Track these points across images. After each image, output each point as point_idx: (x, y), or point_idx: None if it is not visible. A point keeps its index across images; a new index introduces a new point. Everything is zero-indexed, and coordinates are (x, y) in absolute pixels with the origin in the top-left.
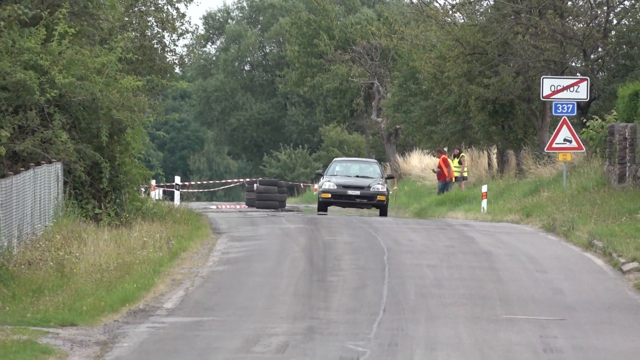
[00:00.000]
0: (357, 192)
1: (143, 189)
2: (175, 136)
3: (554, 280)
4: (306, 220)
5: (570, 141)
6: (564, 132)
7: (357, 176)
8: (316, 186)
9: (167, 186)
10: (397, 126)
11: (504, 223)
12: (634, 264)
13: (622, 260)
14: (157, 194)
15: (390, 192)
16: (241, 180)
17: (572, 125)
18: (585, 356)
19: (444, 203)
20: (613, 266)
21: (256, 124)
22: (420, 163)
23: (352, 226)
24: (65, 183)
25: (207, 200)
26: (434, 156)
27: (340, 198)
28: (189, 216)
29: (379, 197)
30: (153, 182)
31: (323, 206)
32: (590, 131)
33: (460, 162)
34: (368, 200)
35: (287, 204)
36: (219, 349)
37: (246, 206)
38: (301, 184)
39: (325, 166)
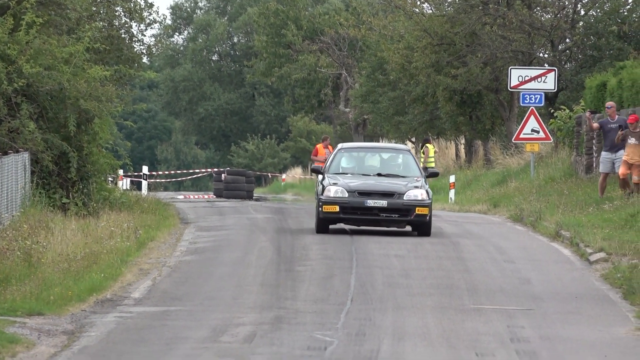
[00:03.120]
0: (383, 203)
1: (110, 179)
2: (143, 126)
3: (521, 270)
4: (274, 210)
5: (537, 132)
6: (532, 123)
7: (379, 175)
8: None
9: (135, 176)
10: (365, 116)
11: (472, 213)
12: (601, 255)
13: (589, 250)
14: (124, 183)
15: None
16: (209, 170)
17: (539, 115)
18: (552, 346)
19: None
20: (580, 256)
21: (224, 114)
22: None
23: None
24: (32, 172)
25: (174, 190)
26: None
27: (355, 212)
28: (157, 206)
29: (419, 210)
30: (120, 171)
31: (326, 224)
32: (558, 122)
33: (423, 153)
34: (400, 216)
35: (254, 194)
36: (187, 338)
37: (214, 196)
38: (269, 174)
39: (298, 159)
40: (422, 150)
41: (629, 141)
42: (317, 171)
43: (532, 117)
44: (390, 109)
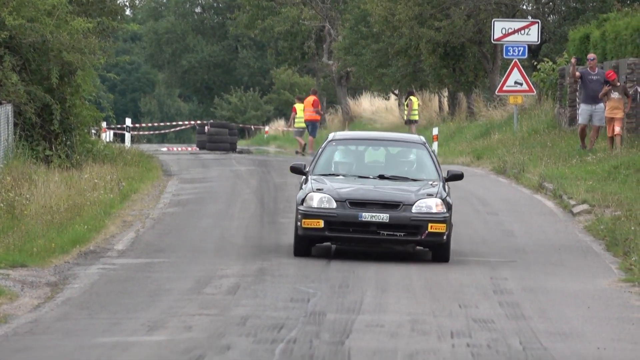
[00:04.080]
0: (383, 217)
1: (94, 131)
2: (126, 78)
3: (504, 222)
4: (257, 162)
5: (521, 84)
6: (515, 75)
7: (382, 177)
8: (266, 128)
9: (118, 128)
10: (348, 69)
11: (455, 166)
12: (584, 206)
13: (572, 202)
14: (107, 136)
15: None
16: (192, 122)
17: (523, 68)
18: (535, 297)
19: None
20: (563, 208)
21: (207, 67)
22: (371, 106)
23: None
24: (15, 125)
25: (158, 142)
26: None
27: (346, 229)
28: (140, 158)
29: (432, 227)
30: (104, 124)
31: (306, 244)
32: (541, 74)
33: (407, 105)
34: (407, 235)
35: (238, 146)
36: (170, 290)
37: (197, 148)
38: (252, 127)
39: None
40: (405, 103)
41: (612, 95)
42: (298, 171)
43: (515, 69)
44: (374, 61)
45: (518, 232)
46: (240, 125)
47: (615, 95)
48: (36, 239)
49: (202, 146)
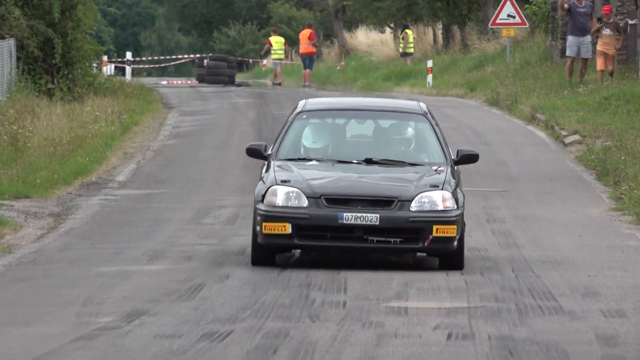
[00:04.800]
0: (372, 218)
1: (95, 65)
2: (127, 12)
3: (497, 152)
4: (255, 94)
5: (513, 17)
6: (508, 8)
7: (369, 161)
8: (264, 61)
9: (119, 62)
10: (345, 2)
11: (449, 97)
12: (576, 137)
13: (564, 133)
14: (108, 69)
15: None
16: (192, 56)
17: (515, 0)
18: (528, 226)
19: (390, 78)
20: (555, 139)
21: (206, 0)
22: (367, 39)
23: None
24: (18, 59)
25: (158, 76)
26: (400, 34)
27: (322, 235)
28: (141, 91)
29: (439, 230)
30: (105, 57)
31: (268, 254)
32: (534, 7)
33: (403, 38)
34: (404, 241)
35: (236, 79)
36: (170, 220)
37: (196, 81)
38: (250, 60)
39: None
40: (401, 36)
41: (604, 32)
42: (256, 154)
43: (508, 2)
44: None
45: (511, 162)
46: (239, 58)
47: (607, 32)
48: (39, 170)
49: (201, 79)
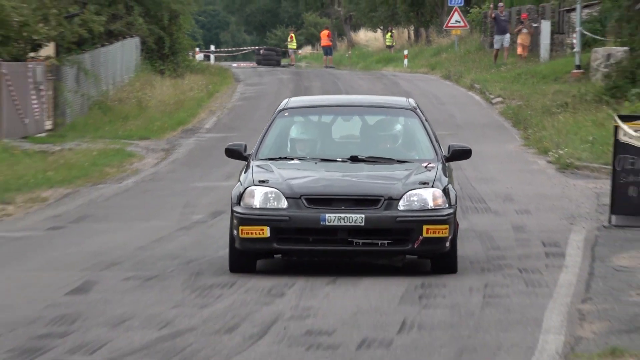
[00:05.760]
0: (356, 219)
1: (191, 53)
2: (211, 19)
3: (449, 109)
4: (293, 73)
5: (459, 22)
6: (456, 16)
7: (354, 159)
8: (300, 51)
9: (206, 52)
10: (351, 13)
11: (418, 74)
12: (499, 99)
13: (491, 96)
14: (200, 56)
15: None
16: (252, 48)
17: (461, 11)
18: (470, 157)
19: (380, 62)
20: (486, 100)
21: (261, 12)
22: (365, 37)
23: (322, 77)
24: (141, 50)
25: (231, 61)
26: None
27: (303, 239)
28: (220, 71)
29: (429, 230)
30: (197, 49)
31: (246, 260)
32: (472, 15)
33: (391, 36)
34: (393, 243)
35: (281, 63)
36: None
37: (256, 64)
38: (290, 50)
39: (308, 40)
40: (388, 35)
41: (523, 31)
42: (235, 154)
43: (456, 12)
44: (367, 8)
45: (457, 115)
46: (283, 49)
47: (524, 31)
48: (155, 121)
49: (258, 63)
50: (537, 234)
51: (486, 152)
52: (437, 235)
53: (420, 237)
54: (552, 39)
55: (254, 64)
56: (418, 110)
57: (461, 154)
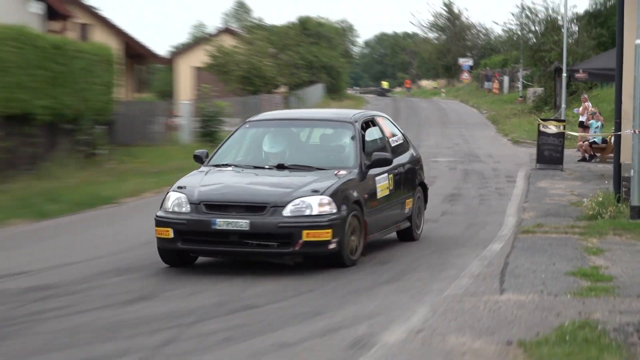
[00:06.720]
0: (243, 224)
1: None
2: (354, 72)
3: (461, 116)
4: (391, 99)
5: (467, 76)
6: (465, 75)
7: (280, 167)
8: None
9: (352, 88)
10: (418, 73)
11: (448, 100)
12: (485, 111)
13: (482, 110)
14: (350, 91)
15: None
16: (374, 87)
17: (468, 71)
18: (467, 139)
19: (431, 94)
20: (479, 112)
21: (376, 74)
22: (425, 82)
23: (405, 100)
24: (323, 88)
25: (363, 93)
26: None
27: (200, 240)
28: (359, 98)
29: (309, 234)
30: (348, 87)
31: (166, 256)
32: (474, 73)
33: (437, 82)
34: (279, 246)
35: (385, 94)
36: None
37: (376, 95)
38: (391, 89)
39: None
40: (435, 82)
41: (495, 81)
42: (199, 160)
43: (465, 72)
44: (424, 70)
45: (466, 119)
46: (386, 88)
47: (496, 81)
48: None
49: (377, 94)
50: (503, 171)
51: (478, 135)
52: (317, 239)
53: (300, 241)
54: (509, 84)
55: (374, 95)
56: (358, 123)
57: (382, 162)
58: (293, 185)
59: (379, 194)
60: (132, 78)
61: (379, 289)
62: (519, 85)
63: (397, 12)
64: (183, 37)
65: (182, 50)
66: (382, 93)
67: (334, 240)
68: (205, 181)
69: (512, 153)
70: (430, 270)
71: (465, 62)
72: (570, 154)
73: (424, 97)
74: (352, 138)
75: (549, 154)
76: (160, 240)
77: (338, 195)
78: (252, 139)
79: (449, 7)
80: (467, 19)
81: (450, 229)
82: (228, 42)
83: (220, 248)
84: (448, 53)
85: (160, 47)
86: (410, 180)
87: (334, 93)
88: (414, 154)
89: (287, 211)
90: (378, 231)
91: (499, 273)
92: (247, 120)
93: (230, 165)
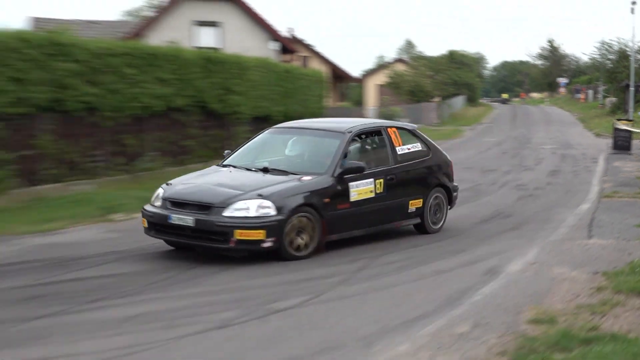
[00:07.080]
0: (189, 221)
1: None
2: (486, 86)
3: (558, 116)
4: (510, 105)
5: (563, 90)
6: (562, 88)
7: (264, 170)
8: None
9: (483, 98)
10: (528, 87)
11: (549, 106)
12: (576, 114)
13: (573, 113)
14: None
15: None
16: (499, 98)
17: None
18: (561, 131)
19: (538, 103)
20: (571, 114)
21: (500, 88)
22: (534, 94)
23: (521, 107)
24: (464, 98)
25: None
26: None
27: (162, 232)
28: (488, 105)
29: (242, 234)
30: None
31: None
32: (569, 87)
33: (543, 94)
34: (220, 242)
35: (506, 103)
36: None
37: (500, 103)
38: (511, 98)
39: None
40: (542, 94)
41: (582, 93)
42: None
43: (561, 87)
44: (533, 85)
45: (564, 119)
46: (507, 98)
47: (583, 93)
48: (467, 121)
49: (500, 102)
50: (589, 155)
51: (571, 131)
52: (250, 238)
53: (233, 239)
54: (593, 95)
55: (498, 103)
56: (349, 134)
57: (352, 170)
58: (247, 188)
59: (355, 197)
60: (336, 92)
61: (504, 235)
62: (600, 96)
63: (515, 46)
64: (370, 64)
65: (369, 73)
66: (504, 102)
67: (269, 239)
68: (183, 180)
69: (595, 143)
70: (539, 222)
71: (562, 80)
72: (636, 143)
73: (533, 105)
74: (337, 147)
75: (621, 143)
76: (144, 229)
77: (280, 199)
78: (263, 143)
79: (551, 42)
80: (563, 51)
81: (553, 194)
82: (400, 67)
83: (176, 239)
84: (550, 74)
85: (355, 71)
86: (422, 182)
87: (471, 102)
88: (436, 160)
89: (227, 212)
90: (356, 229)
91: (588, 224)
92: (272, 127)
93: (229, 166)
